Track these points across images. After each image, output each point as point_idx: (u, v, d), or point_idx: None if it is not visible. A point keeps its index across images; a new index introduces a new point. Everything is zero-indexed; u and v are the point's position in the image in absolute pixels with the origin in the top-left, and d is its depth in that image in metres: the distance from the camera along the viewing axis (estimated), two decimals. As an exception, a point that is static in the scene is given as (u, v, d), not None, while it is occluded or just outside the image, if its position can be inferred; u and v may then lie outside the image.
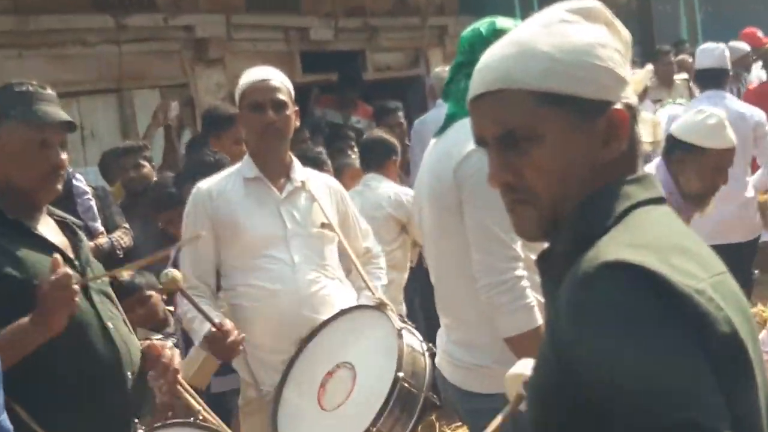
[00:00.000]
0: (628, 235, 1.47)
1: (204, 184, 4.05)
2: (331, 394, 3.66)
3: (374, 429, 3.41)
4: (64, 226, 3.05)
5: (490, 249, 3.02)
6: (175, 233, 4.95)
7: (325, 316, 3.91)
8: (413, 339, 3.64)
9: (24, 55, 7.76)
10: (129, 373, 2.93)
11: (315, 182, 4.15)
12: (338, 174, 6.59)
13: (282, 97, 3.95)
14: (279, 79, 3.99)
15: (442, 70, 8.17)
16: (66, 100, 7.89)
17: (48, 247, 2.92)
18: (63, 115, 2.94)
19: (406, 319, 3.92)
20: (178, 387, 3.12)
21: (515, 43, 1.59)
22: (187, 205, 4.07)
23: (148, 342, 3.08)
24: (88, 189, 5.85)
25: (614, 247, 1.43)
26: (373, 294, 3.95)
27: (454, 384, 3.24)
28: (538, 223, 1.59)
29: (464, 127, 3.12)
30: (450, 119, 3.26)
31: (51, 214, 3.07)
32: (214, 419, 3.22)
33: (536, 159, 1.55)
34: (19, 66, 7.65)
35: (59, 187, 2.97)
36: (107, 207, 5.87)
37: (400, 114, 8.18)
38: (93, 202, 5.80)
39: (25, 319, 2.70)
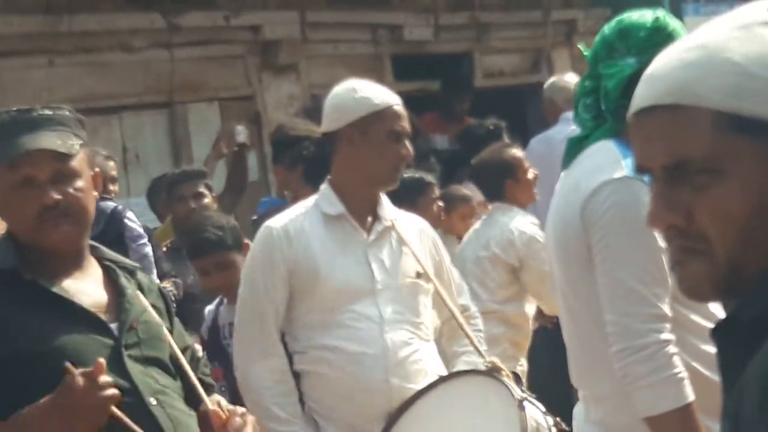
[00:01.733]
0: None
1: (277, 223, 4.03)
2: None
3: None
4: (114, 273, 3.07)
5: (626, 307, 2.96)
6: (208, 285, 4.97)
7: (418, 386, 3.87)
8: (536, 412, 3.60)
9: (55, 62, 7.92)
10: None
11: (404, 223, 4.14)
12: (448, 209, 6.61)
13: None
14: None
15: (559, 79, 8.14)
16: (105, 117, 8.04)
17: (72, 311, 2.92)
18: (45, 142, 2.91)
19: (525, 389, 3.92)
20: None
21: (700, 47, 1.51)
22: (255, 248, 4.07)
23: (209, 408, 3.00)
24: (143, 232, 5.90)
25: None
26: (482, 357, 3.92)
27: None
28: (711, 279, 1.52)
29: (598, 152, 3.07)
30: (578, 143, 3.21)
31: (101, 259, 3.09)
32: None
33: (715, 199, 1.48)
34: (48, 75, 7.81)
35: (69, 228, 2.94)
36: (152, 250, 5.93)
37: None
38: (149, 249, 5.86)
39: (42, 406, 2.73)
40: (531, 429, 3.53)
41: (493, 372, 3.79)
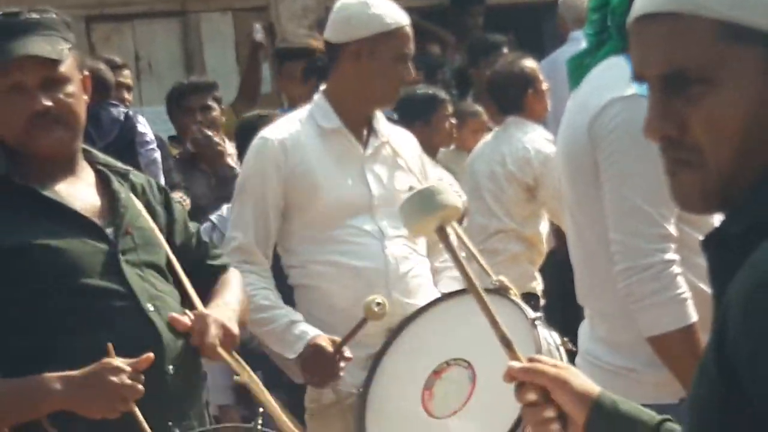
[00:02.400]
0: None
1: (273, 134, 3.96)
2: (441, 398, 3.59)
3: None
4: (107, 177, 3.05)
5: (631, 226, 2.95)
6: None
7: (418, 301, 3.86)
8: (546, 332, 3.56)
9: (68, -32, 7.88)
10: (170, 367, 2.89)
11: (397, 137, 4.10)
12: (457, 127, 6.59)
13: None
14: None
15: None
16: (117, 25, 8.00)
17: (66, 215, 2.90)
18: (35, 48, 2.87)
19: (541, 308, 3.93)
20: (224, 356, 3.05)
21: None
22: (249, 159, 4.01)
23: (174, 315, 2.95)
24: (152, 137, 5.90)
25: None
26: (489, 276, 3.92)
27: None
28: (702, 190, 1.52)
29: (607, 69, 3.05)
30: (580, 62, 3.19)
31: (93, 163, 3.06)
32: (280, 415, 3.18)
33: (710, 109, 1.48)
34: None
35: (61, 133, 2.91)
36: (163, 160, 5.92)
37: (505, 51, 7.96)
38: (158, 154, 5.86)
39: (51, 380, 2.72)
40: (544, 348, 3.54)
41: (501, 291, 3.81)
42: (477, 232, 5.71)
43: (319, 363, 3.73)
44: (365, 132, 3.98)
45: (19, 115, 2.87)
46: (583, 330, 3.34)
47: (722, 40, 1.46)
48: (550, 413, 2.06)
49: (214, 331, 2.93)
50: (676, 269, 2.94)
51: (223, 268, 3.25)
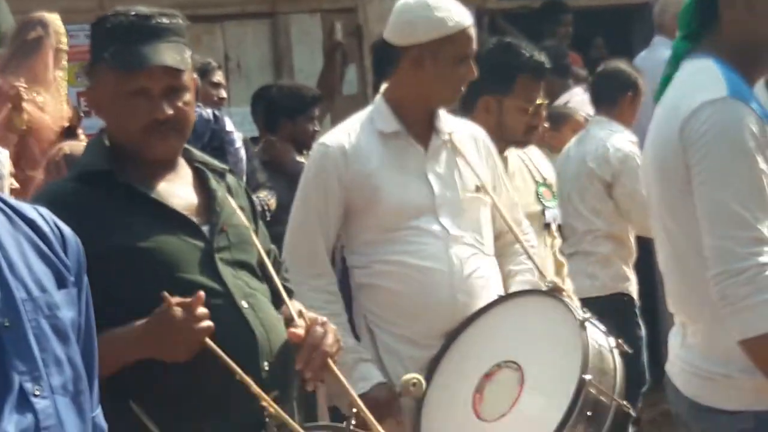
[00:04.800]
0: None
1: (332, 140, 3.95)
2: (491, 401, 3.62)
3: None
4: (204, 175, 3.06)
5: (725, 229, 2.91)
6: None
7: (482, 303, 3.85)
8: (598, 333, 3.58)
9: (161, -31, 7.97)
10: (265, 364, 2.90)
11: (461, 134, 4.05)
12: (557, 124, 6.57)
13: None
14: None
15: None
16: (208, 26, 8.06)
17: (165, 213, 2.93)
18: (166, 58, 2.88)
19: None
20: (330, 373, 3.07)
21: None
22: (311, 167, 4.01)
23: (290, 311, 3.00)
24: (239, 136, 5.95)
25: None
26: (543, 277, 3.93)
27: (687, 397, 3.17)
28: None
29: (697, 73, 3.01)
30: (678, 59, 3.16)
31: (191, 161, 3.08)
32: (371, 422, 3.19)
33: None
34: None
35: (175, 142, 2.96)
36: (248, 161, 5.96)
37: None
38: (244, 153, 5.91)
39: (136, 328, 2.76)
40: (593, 350, 3.51)
41: (554, 292, 3.79)
42: (569, 235, 5.70)
43: (376, 409, 3.59)
44: (426, 132, 3.95)
45: (139, 120, 2.90)
46: (674, 336, 3.30)
47: None
48: None
49: (330, 340, 2.97)
50: None
51: (290, 292, 3.24)
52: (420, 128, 3.95)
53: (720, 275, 2.92)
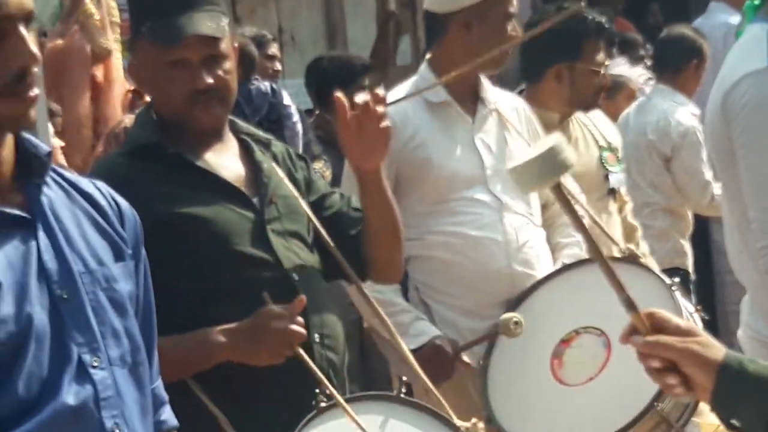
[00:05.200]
0: None
1: None
2: (573, 365, 3.59)
3: (659, 406, 3.33)
4: (250, 147, 3.07)
5: None
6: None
7: (536, 272, 3.84)
8: (682, 299, 3.54)
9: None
10: (316, 336, 2.92)
11: (504, 104, 4.03)
12: (613, 92, 6.51)
13: None
14: None
15: None
16: (262, 0, 8.09)
17: (216, 183, 2.94)
18: (201, 27, 2.87)
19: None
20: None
21: None
22: None
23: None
24: (296, 110, 5.97)
25: None
26: (615, 244, 3.89)
27: None
28: None
29: (746, 43, 2.99)
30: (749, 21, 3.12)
31: (237, 132, 3.09)
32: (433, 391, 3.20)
33: None
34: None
35: (219, 111, 2.96)
36: (304, 133, 5.99)
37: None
38: (300, 126, 5.93)
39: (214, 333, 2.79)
40: (685, 313, 3.50)
41: (631, 259, 3.78)
42: None
43: (437, 362, 3.68)
44: (472, 102, 3.93)
45: (180, 91, 2.91)
46: (744, 304, 3.30)
47: None
48: (673, 380, 2.05)
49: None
50: None
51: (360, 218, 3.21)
52: (466, 98, 3.93)
53: (764, 249, 2.92)
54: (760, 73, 2.89)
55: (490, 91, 3.99)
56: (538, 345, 3.66)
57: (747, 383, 1.99)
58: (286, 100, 6.00)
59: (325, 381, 2.78)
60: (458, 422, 3.04)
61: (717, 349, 2.05)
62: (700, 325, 3.55)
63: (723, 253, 4.73)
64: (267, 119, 5.65)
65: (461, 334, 3.84)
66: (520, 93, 4.45)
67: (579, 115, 4.65)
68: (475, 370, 3.73)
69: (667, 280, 3.57)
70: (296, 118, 5.96)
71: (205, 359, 2.76)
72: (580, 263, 3.83)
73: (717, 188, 5.23)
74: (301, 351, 2.77)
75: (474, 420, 3.13)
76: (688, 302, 3.63)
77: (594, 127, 4.78)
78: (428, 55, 4.02)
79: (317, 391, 2.77)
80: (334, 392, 2.77)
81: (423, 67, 4.01)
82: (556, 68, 4.43)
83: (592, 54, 4.50)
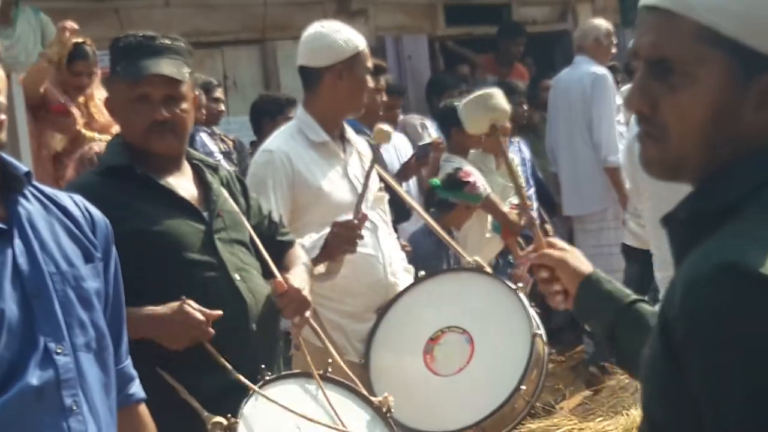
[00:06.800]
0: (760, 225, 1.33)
1: (276, 146, 3.85)
2: (443, 359, 3.60)
3: (523, 387, 3.41)
4: (201, 170, 3.08)
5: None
6: None
7: (401, 282, 3.89)
8: (525, 298, 3.62)
9: (170, 3, 7.90)
10: (253, 325, 2.93)
11: (359, 144, 4.05)
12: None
13: None
14: None
15: (586, 22, 7.92)
16: (210, 51, 8.04)
17: (174, 200, 2.95)
18: (164, 69, 2.90)
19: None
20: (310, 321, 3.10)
21: None
22: (258, 171, 3.82)
23: (273, 280, 3.03)
24: (214, 148, 5.91)
25: (736, 241, 1.31)
26: (463, 257, 3.95)
27: None
28: (661, 163, 1.48)
29: None
30: None
31: (190, 159, 3.11)
32: (345, 369, 3.18)
33: (681, 100, 1.42)
34: (165, 15, 7.81)
35: (172, 140, 2.95)
36: (242, 161, 5.92)
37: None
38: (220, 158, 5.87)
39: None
40: (531, 313, 3.56)
41: (478, 269, 3.81)
42: None
43: (340, 234, 3.58)
44: (341, 142, 3.95)
45: (142, 121, 2.92)
46: None
47: (703, 43, 1.40)
48: (556, 287, 2.11)
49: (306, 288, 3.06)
50: None
51: (290, 243, 3.31)
52: (337, 138, 3.95)
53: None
54: None
55: (351, 133, 4.03)
56: (410, 344, 3.68)
57: (599, 296, 2.03)
58: (207, 140, 5.95)
59: (230, 367, 2.81)
60: (372, 398, 3.11)
61: (587, 266, 2.10)
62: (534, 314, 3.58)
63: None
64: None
65: (348, 336, 3.84)
66: None
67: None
68: (358, 366, 3.68)
69: (512, 285, 3.65)
70: (215, 155, 5.88)
71: (133, 331, 2.64)
72: (432, 275, 3.86)
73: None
74: (208, 345, 2.78)
75: (386, 394, 3.11)
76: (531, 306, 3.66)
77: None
78: (303, 100, 4.02)
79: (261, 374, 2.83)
80: (242, 378, 2.81)
81: (300, 110, 4.00)
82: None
83: None
